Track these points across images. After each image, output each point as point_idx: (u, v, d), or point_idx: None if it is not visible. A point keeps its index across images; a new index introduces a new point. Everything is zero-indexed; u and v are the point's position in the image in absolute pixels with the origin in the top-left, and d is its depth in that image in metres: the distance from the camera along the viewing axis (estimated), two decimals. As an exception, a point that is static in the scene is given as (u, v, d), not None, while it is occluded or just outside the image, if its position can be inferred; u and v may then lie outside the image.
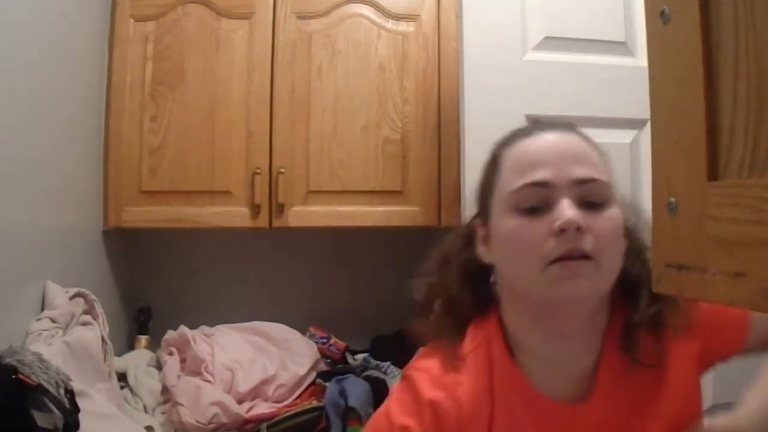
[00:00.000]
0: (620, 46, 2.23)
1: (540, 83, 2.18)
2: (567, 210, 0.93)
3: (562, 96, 2.19)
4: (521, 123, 2.16)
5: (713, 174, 0.46)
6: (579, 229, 0.92)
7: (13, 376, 1.31)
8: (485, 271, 1.08)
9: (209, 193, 2.28)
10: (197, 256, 2.60)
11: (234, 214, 2.28)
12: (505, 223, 0.99)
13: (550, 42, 2.22)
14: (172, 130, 2.27)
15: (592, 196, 0.96)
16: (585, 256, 0.93)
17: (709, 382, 2.22)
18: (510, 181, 1.00)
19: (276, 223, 2.29)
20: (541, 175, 0.97)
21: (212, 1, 2.31)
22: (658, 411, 1.06)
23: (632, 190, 2.21)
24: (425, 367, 1.05)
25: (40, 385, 1.34)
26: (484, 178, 1.08)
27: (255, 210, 2.27)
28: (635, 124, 2.19)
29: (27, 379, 1.33)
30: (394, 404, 1.04)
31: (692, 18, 0.47)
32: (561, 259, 0.93)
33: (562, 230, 0.92)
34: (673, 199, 0.50)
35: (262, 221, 2.28)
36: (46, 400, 1.34)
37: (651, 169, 0.54)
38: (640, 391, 1.04)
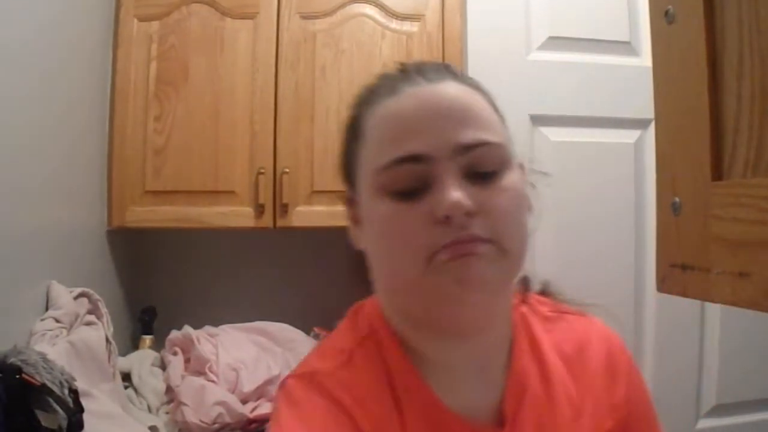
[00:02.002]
0: (624, 46, 2.23)
1: (544, 83, 2.18)
2: (450, 192, 0.72)
3: (566, 96, 2.19)
4: (525, 123, 2.17)
5: (717, 174, 0.46)
6: (469, 214, 0.72)
7: (18, 376, 1.31)
8: None
9: (213, 193, 2.28)
10: (201, 256, 2.60)
11: (238, 214, 2.28)
12: (375, 207, 0.78)
13: (555, 42, 2.22)
14: (177, 130, 2.27)
15: (483, 165, 0.75)
16: (477, 239, 0.73)
17: (713, 382, 2.22)
18: (376, 155, 0.78)
19: (280, 223, 2.29)
20: (413, 146, 0.75)
21: (216, 0, 2.32)
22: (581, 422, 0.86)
23: (636, 189, 2.21)
24: (303, 373, 0.82)
25: (44, 385, 1.34)
26: (346, 146, 0.86)
27: (259, 210, 2.27)
28: (639, 124, 2.19)
29: (31, 379, 1.33)
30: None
31: (697, 18, 0.47)
32: (447, 247, 0.72)
33: (447, 217, 0.72)
34: (677, 199, 0.50)
35: (266, 221, 2.28)
36: (51, 400, 1.34)
37: (655, 168, 0.54)
38: (561, 402, 0.86)
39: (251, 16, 2.33)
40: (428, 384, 0.81)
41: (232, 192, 2.28)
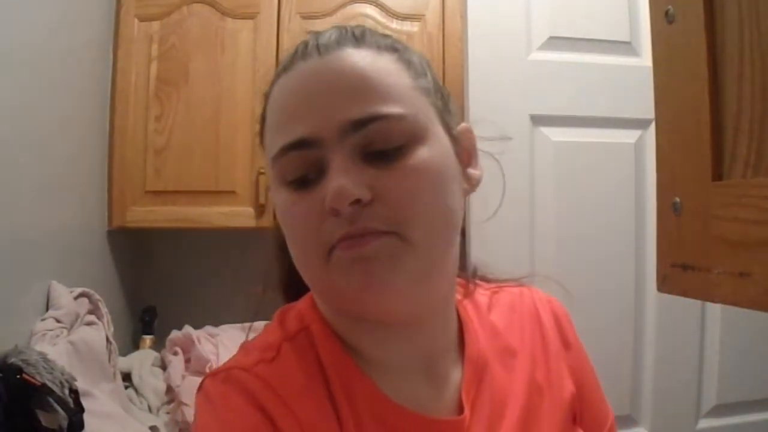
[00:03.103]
0: (625, 46, 2.23)
1: (544, 83, 2.18)
2: (334, 179, 0.64)
3: (567, 96, 2.19)
4: (526, 123, 2.17)
5: (718, 174, 0.46)
6: (360, 202, 0.63)
7: (18, 376, 1.32)
8: None
9: (214, 193, 2.28)
10: (202, 255, 2.60)
11: (239, 214, 2.28)
12: (275, 198, 0.72)
13: (555, 42, 2.22)
14: (177, 130, 2.28)
15: (381, 142, 0.65)
16: (372, 234, 0.64)
17: (714, 382, 2.22)
18: (270, 142, 0.71)
19: (281, 223, 2.29)
20: (298, 130, 0.66)
21: (217, 1, 2.32)
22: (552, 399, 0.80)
23: (637, 189, 2.21)
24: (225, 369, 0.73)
25: (44, 385, 1.34)
26: (260, 126, 0.77)
27: (260, 210, 2.27)
28: (640, 124, 2.19)
29: (32, 379, 1.33)
30: None
31: (697, 18, 0.47)
32: (341, 246, 0.65)
33: (332, 209, 0.63)
34: (677, 199, 0.50)
35: (267, 221, 2.28)
36: (51, 400, 1.34)
37: (655, 168, 0.54)
38: (522, 379, 0.79)
39: (252, 16, 2.33)
40: (370, 379, 0.72)
41: (233, 192, 2.29)
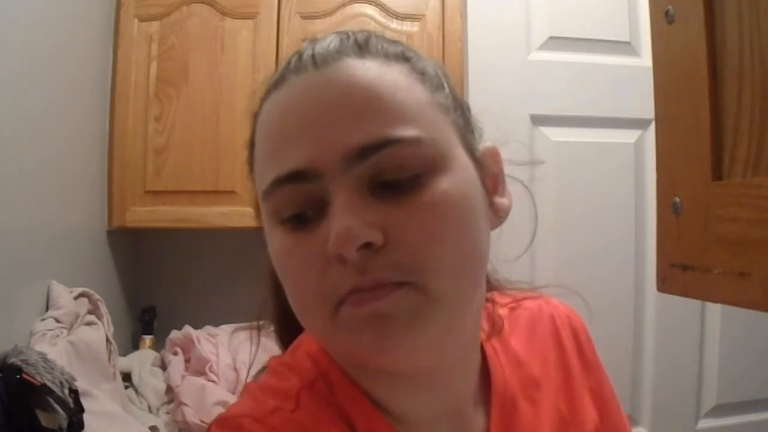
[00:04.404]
0: (625, 46, 2.24)
1: (544, 83, 2.18)
2: (336, 220, 0.53)
3: (567, 96, 2.19)
4: (526, 123, 2.17)
5: (718, 174, 0.46)
6: (370, 246, 0.52)
7: (18, 376, 1.32)
8: None
9: (214, 192, 2.28)
10: (202, 256, 2.60)
11: (239, 214, 2.28)
12: (269, 238, 0.62)
13: (555, 42, 2.22)
14: (177, 130, 2.27)
15: (390, 172, 0.54)
16: (385, 287, 0.53)
17: (713, 382, 2.22)
18: (260, 173, 0.61)
19: (280, 223, 2.29)
20: (292, 160, 0.55)
21: (217, 0, 2.32)
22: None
23: (636, 189, 2.21)
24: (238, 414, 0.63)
25: (44, 385, 1.34)
26: (248, 148, 0.67)
27: (260, 210, 2.27)
28: (640, 124, 2.19)
29: (32, 379, 1.33)
30: None
31: (697, 17, 0.47)
32: (348, 301, 0.54)
33: (338, 256, 0.53)
34: (677, 199, 0.50)
35: (267, 221, 2.28)
36: (51, 400, 1.34)
37: (655, 168, 0.54)
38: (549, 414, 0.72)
39: (251, 16, 2.33)
40: (390, 422, 0.63)
41: (233, 192, 2.28)
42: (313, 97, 0.56)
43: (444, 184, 0.55)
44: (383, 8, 2.37)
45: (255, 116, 0.64)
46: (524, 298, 0.81)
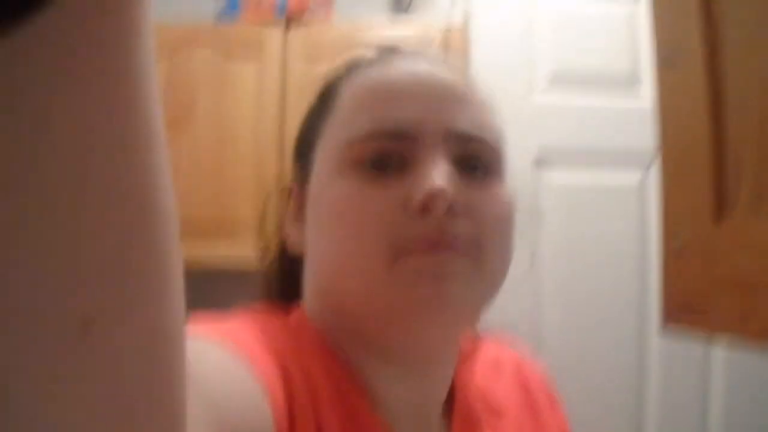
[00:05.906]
0: (629, 86, 2.25)
1: (548, 123, 2.20)
2: (435, 175, 0.55)
3: (571, 136, 2.20)
4: (529, 164, 2.18)
5: (720, 217, 0.46)
6: (451, 209, 0.55)
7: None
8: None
9: (217, 232, 2.28)
10: (205, 297, 2.57)
11: (241, 257, 2.28)
12: (333, 185, 0.60)
13: (559, 82, 2.24)
14: (181, 171, 2.28)
15: (476, 159, 0.59)
16: (457, 248, 0.56)
17: (719, 426, 2.19)
18: (351, 123, 0.61)
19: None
20: (401, 118, 0.58)
21: (221, 41, 2.34)
22: None
23: (640, 231, 2.21)
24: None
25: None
26: (308, 121, 0.70)
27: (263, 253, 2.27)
28: (644, 165, 2.20)
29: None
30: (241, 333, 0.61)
31: (698, 63, 0.48)
32: (418, 250, 0.55)
33: (425, 207, 0.54)
34: (680, 241, 0.51)
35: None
36: None
37: (659, 211, 0.54)
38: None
39: (256, 58, 2.34)
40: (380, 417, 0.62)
41: (236, 233, 2.28)
42: (422, 75, 0.61)
43: (505, 190, 0.61)
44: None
45: (333, 86, 0.67)
46: (486, 338, 0.81)
